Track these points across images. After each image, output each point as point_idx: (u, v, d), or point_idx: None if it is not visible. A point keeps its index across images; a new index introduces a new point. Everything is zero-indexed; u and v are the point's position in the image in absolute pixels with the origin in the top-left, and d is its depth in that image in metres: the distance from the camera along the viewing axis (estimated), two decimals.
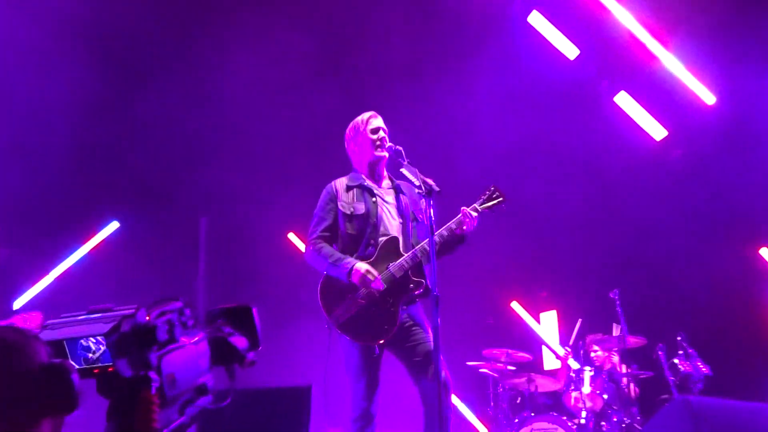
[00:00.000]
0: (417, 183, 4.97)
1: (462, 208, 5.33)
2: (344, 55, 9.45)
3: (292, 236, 10.44)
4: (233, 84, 9.24)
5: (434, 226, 4.87)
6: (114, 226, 10.03)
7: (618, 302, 7.91)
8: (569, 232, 9.96)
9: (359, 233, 5.30)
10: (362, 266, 5.15)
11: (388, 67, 9.32)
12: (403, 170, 5.16)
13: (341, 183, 5.53)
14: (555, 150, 9.62)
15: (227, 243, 9.93)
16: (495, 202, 5.43)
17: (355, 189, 5.46)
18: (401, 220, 5.40)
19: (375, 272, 5.14)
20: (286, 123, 9.66)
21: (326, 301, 5.27)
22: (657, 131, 9.26)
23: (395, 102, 8.59)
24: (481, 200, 5.43)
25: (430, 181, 4.98)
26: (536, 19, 9.01)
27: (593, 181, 9.63)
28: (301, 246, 10.34)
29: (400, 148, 5.22)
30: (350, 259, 5.21)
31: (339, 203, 5.41)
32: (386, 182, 5.58)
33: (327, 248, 5.32)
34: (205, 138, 9.67)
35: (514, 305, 10.52)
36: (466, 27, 9.17)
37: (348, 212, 5.37)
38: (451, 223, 5.28)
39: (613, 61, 9.04)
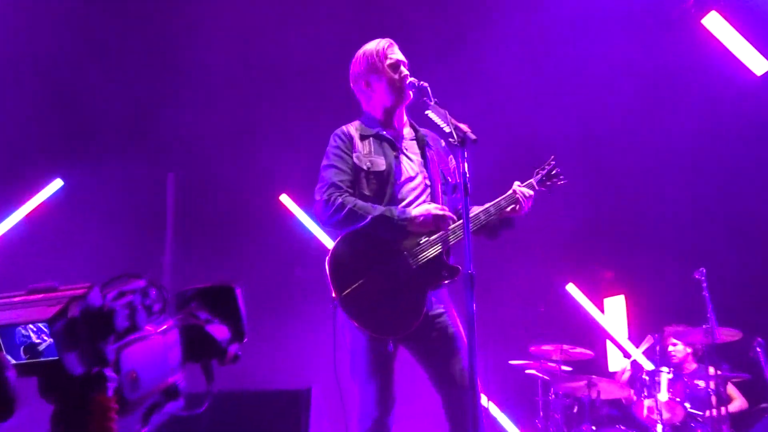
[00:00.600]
0: (447, 129, 4.87)
1: (515, 185, 5.30)
2: None
3: (285, 198, 10.47)
4: (205, 11, 9.24)
5: (470, 189, 4.76)
6: (57, 184, 10.06)
7: (705, 285, 7.90)
8: (638, 193, 9.95)
9: (376, 196, 5.16)
10: (432, 206, 5.12)
11: None
12: (429, 113, 5.07)
13: (354, 128, 5.39)
14: (622, 88, 9.57)
15: (202, 206, 9.99)
16: (554, 179, 5.50)
17: (371, 139, 5.33)
18: (429, 183, 5.32)
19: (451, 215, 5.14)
20: (278, 55, 9.64)
21: (338, 274, 5.05)
22: (758, 64, 9.19)
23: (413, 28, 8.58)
24: (540, 176, 5.45)
25: (464, 127, 4.87)
26: None
27: (672, 127, 9.59)
28: (297, 210, 10.40)
29: (426, 85, 5.13)
30: (401, 209, 5.13)
31: (354, 154, 5.27)
32: (407, 131, 5.46)
33: (360, 201, 5.13)
34: (172, 75, 9.68)
35: (571, 288, 10.53)
36: None
37: (365, 167, 5.21)
38: (501, 200, 5.24)
39: None
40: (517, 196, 5.25)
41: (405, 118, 5.47)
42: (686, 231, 9.74)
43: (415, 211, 5.08)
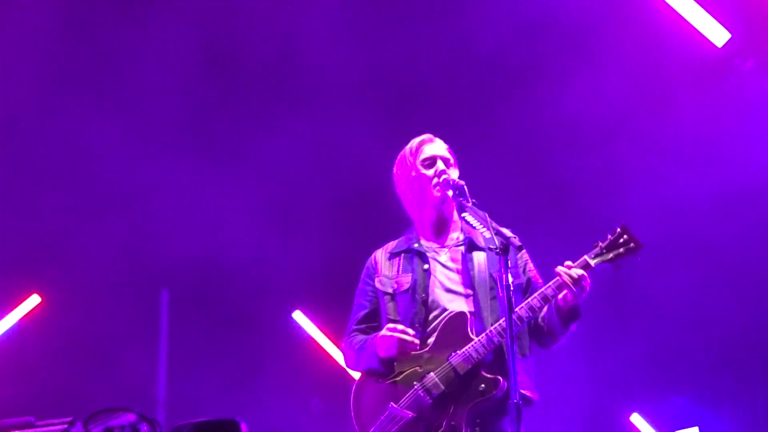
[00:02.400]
0: (488, 235, 4.89)
1: (560, 267, 5.09)
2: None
3: (298, 315, 10.46)
4: None
5: (516, 295, 4.76)
6: (34, 301, 10.08)
7: None
8: (715, 307, 9.85)
9: (405, 317, 5.26)
10: (392, 326, 5.17)
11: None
12: (467, 216, 5.12)
13: (384, 251, 5.59)
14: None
15: (201, 326, 9.97)
16: (621, 251, 5.13)
17: (401, 256, 5.48)
18: (470, 291, 5.33)
19: (411, 331, 5.13)
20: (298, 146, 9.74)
21: (359, 413, 5.26)
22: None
23: None
24: (599, 249, 5.15)
25: (506, 232, 4.90)
26: None
27: None
28: (312, 329, 10.40)
29: (462, 183, 5.17)
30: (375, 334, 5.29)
31: (376, 279, 5.47)
32: (456, 235, 5.51)
33: (358, 336, 5.40)
34: (168, 175, 9.77)
35: (635, 419, 10.41)
36: None
37: (389, 290, 5.40)
38: (547, 288, 5.11)
39: None
40: (562, 279, 5.04)
41: (456, 219, 5.47)
42: None
43: (381, 347, 5.18)
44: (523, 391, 4.97)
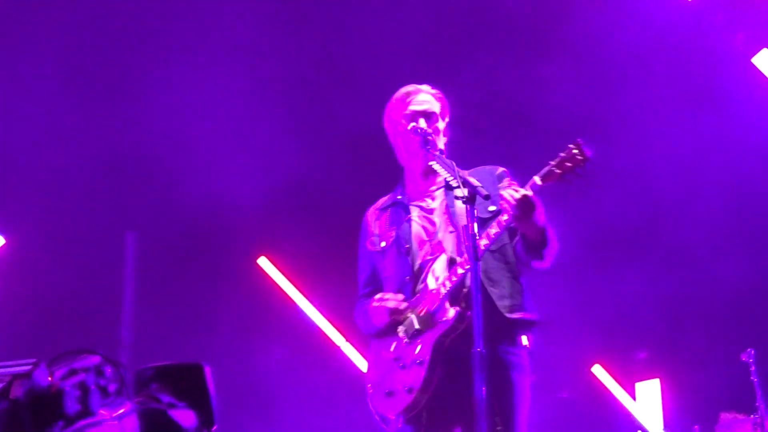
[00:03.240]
0: (455, 184, 4.87)
1: (503, 191, 5.02)
2: None
3: (263, 262, 10.46)
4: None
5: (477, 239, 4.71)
6: None
7: (753, 368, 7.87)
8: (674, 262, 9.93)
9: (396, 271, 5.36)
10: (378, 296, 5.29)
11: None
12: (434, 164, 5.12)
13: (373, 209, 5.67)
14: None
15: (166, 271, 9.95)
16: (569, 164, 4.97)
17: (388, 211, 5.56)
18: (451, 229, 5.31)
19: (394, 296, 5.24)
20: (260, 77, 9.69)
21: (368, 364, 5.56)
22: None
23: None
24: (548, 168, 5.00)
25: (473, 181, 4.90)
26: None
27: (714, 180, 9.59)
28: (278, 277, 10.41)
29: (429, 131, 5.19)
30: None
31: (368, 241, 5.57)
32: (439, 180, 5.43)
33: (363, 305, 5.48)
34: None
35: (597, 370, 10.49)
36: None
37: (378, 249, 5.49)
38: (501, 213, 5.02)
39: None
40: (502, 202, 4.95)
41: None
42: (732, 306, 9.71)
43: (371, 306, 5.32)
44: (519, 315, 5.13)
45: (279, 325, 10.14)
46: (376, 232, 5.52)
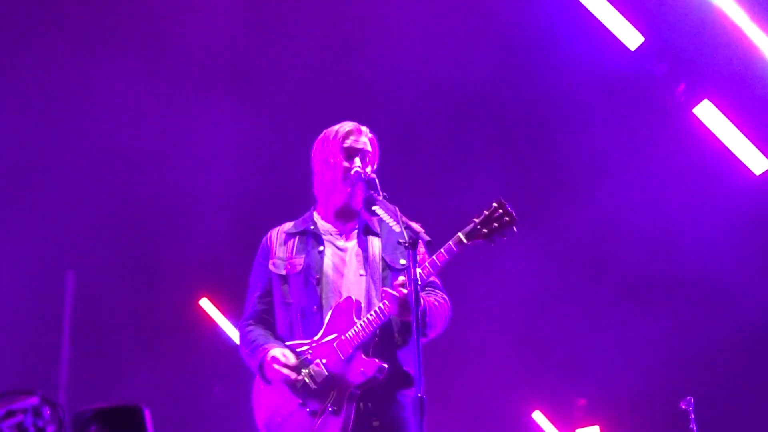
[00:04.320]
0: (397, 229, 4.91)
1: (386, 288, 5.13)
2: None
3: (205, 303, 10.43)
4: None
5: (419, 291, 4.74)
6: None
7: (692, 417, 7.92)
8: (615, 308, 10.00)
9: (299, 300, 5.32)
10: (276, 351, 5.19)
11: None
12: (377, 209, 5.14)
13: (279, 231, 5.58)
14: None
15: (106, 310, 9.89)
16: (496, 225, 5.04)
17: (296, 237, 5.50)
18: (362, 272, 5.36)
19: (292, 357, 5.18)
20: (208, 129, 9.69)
21: (257, 403, 5.35)
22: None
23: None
24: (473, 225, 5.06)
25: (416, 227, 4.93)
26: None
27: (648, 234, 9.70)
28: (219, 317, 10.37)
29: (374, 177, 5.21)
30: (270, 344, 5.27)
31: (270, 261, 5.48)
32: (354, 223, 5.53)
33: (253, 332, 5.39)
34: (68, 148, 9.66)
35: (537, 417, 10.52)
36: None
37: (282, 272, 5.41)
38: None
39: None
40: (383, 296, 5.09)
41: (358, 211, 5.49)
42: (671, 354, 9.78)
43: (266, 370, 5.23)
44: (405, 369, 5.18)
45: (220, 365, 10.10)
46: (281, 255, 5.46)
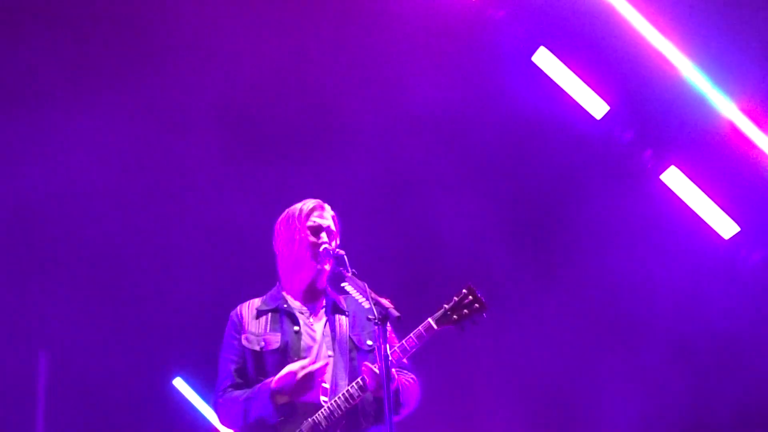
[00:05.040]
0: (366, 305, 4.93)
1: (367, 363, 5.18)
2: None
3: (179, 383, 10.37)
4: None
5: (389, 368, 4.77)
6: None
7: None
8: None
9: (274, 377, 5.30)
10: (293, 366, 5.18)
11: None
12: (346, 286, 5.17)
13: (250, 307, 5.58)
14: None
15: (80, 392, 9.82)
16: (466, 311, 5.23)
17: (269, 314, 5.49)
18: (330, 353, 5.39)
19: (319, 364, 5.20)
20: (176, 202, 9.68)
21: None
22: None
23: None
24: (443, 311, 5.27)
25: (385, 303, 4.97)
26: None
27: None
28: (193, 397, 10.31)
29: (342, 253, 5.24)
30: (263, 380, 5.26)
31: (242, 336, 5.45)
32: (322, 300, 5.58)
33: (236, 391, 5.34)
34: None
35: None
36: None
37: (257, 348, 5.39)
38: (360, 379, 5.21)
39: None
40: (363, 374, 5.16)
41: (324, 288, 5.54)
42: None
43: (277, 376, 5.19)
44: None
45: None
46: (254, 330, 5.44)
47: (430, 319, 5.19)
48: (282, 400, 5.18)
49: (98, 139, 9.09)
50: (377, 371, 4.98)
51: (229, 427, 5.44)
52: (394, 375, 5.08)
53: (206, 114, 9.28)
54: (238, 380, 5.39)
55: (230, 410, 5.36)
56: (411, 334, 5.17)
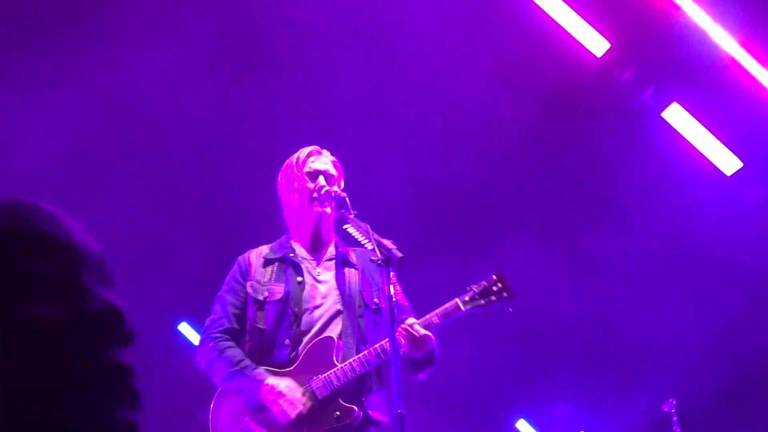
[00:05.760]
0: (369, 247, 4.93)
1: (404, 325, 5.18)
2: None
3: (184, 327, 10.39)
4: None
5: (383, 318, 4.79)
6: None
7: (675, 419, 7.91)
8: (592, 304, 9.97)
9: (274, 328, 5.30)
10: (278, 383, 5.14)
11: None
12: (348, 227, 5.16)
13: (258, 254, 5.57)
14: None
15: None
16: (494, 298, 5.31)
17: (276, 264, 5.48)
18: (339, 308, 5.38)
19: (298, 392, 5.14)
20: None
21: (215, 424, 5.31)
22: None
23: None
24: (472, 293, 5.32)
25: (388, 244, 4.96)
26: None
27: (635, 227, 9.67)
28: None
29: (344, 195, 5.23)
30: (263, 371, 5.22)
31: (248, 283, 5.43)
32: (330, 250, 5.57)
33: (232, 349, 5.32)
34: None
35: (521, 426, 10.50)
36: None
37: (260, 297, 5.38)
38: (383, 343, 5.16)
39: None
40: (403, 336, 5.10)
41: (330, 235, 5.53)
42: (654, 353, 9.74)
43: (270, 383, 5.15)
44: (374, 415, 5.21)
45: (200, 390, 10.05)
46: (260, 279, 5.43)
47: (457, 300, 5.23)
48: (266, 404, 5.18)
49: None
50: (416, 333, 5.04)
51: (203, 370, 5.43)
52: (431, 336, 5.12)
53: None
54: (235, 326, 5.39)
55: (214, 364, 5.35)
56: (437, 311, 5.18)
